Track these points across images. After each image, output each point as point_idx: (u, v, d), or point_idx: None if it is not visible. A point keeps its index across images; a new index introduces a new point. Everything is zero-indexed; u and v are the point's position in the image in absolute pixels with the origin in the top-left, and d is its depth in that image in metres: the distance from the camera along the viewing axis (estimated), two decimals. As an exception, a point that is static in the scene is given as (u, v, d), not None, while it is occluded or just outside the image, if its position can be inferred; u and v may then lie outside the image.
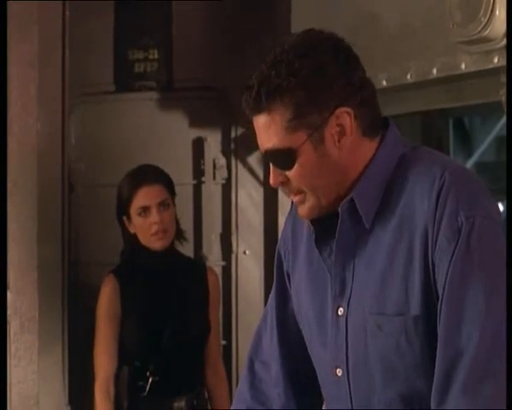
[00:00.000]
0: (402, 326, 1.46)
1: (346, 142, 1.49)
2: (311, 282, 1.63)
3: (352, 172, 1.52)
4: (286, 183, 1.54)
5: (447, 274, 1.41)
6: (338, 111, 1.47)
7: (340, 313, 1.55)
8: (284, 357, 1.74)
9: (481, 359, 1.37)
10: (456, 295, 1.40)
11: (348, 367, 1.55)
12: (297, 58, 1.46)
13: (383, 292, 1.48)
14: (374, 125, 1.53)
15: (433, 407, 1.41)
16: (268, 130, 1.51)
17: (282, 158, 1.51)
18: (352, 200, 1.51)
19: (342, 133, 1.48)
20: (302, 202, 1.54)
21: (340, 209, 1.52)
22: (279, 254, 1.76)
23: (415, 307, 1.44)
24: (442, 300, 1.41)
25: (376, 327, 1.49)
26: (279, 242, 1.79)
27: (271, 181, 1.56)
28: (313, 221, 1.58)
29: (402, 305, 1.46)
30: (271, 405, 1.74)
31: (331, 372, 1.58)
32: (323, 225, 1.57)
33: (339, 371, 1.56)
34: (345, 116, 1.47)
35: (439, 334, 1.42)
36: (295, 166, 1.50)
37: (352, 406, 1.56)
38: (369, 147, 1.53)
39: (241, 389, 1.79)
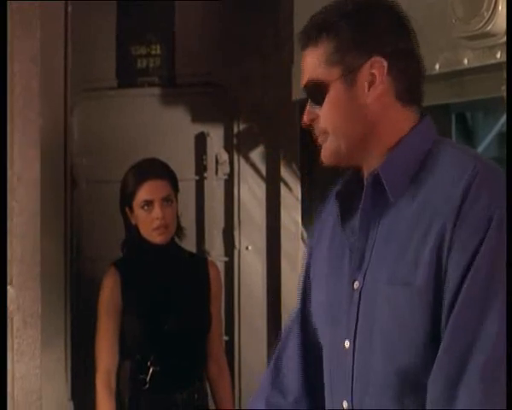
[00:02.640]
0: (407, 297, 1.47)
1: (375, 92, 1.54)
2: (330, 259, 1.67)
3: (378, 132, 1.56)
4: (315, 121, 1.61)
5: (473, 258, 1.41)
6: (374, 59, 1.53)
7: (355, 286, 1.58)
8: (305, 349, 1.78)
9: (500, 345, 1.38)
10: (482, 283, 1.40)
11: (355, 340, 1.57)
12: (353, 4, 1.56)
13: (395, 264, 1.50)
14: (409, 92, 1.56)
15: (437, 393, 1.41)
16: (310, 63, 1.59)
17: (316, 91, 1.58)
18: (377, 174, 1.54)
19: (373, 82, 1.54)
20: (324, 141, 1.61)
21: (365, 181, 1.57)
22: (308, 248, 1.82)
23: (421, 278, 1.45)
24: (462, 282, 1.41)
25: (384, 298, 1.51)
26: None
27: (304, 118, 1.63)
28: (339, 198, 1.63)
29: (409, 276, 1.47)
30: (289, 396, 1.80)
31: (339, 346, 1.60)
32: (349, 204, 1.61)
33: (347, 344, 1.58)
34: (378, 66, 1.53)
35: (454, 313, 1.42)
36: (325, 102, 1.57)
37: (352, 378, 1.57)
38: (401, 114, 1.57)
39: (264, 380, 1.85)
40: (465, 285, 1.41)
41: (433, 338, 1.45)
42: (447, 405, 1.39)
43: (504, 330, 1.38)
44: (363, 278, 1.56)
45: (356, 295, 1.57)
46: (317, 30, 1.57)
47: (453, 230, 1.43)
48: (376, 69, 1.53)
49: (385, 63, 1.53)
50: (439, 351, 1.42)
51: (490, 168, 1.49)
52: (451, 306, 1.42)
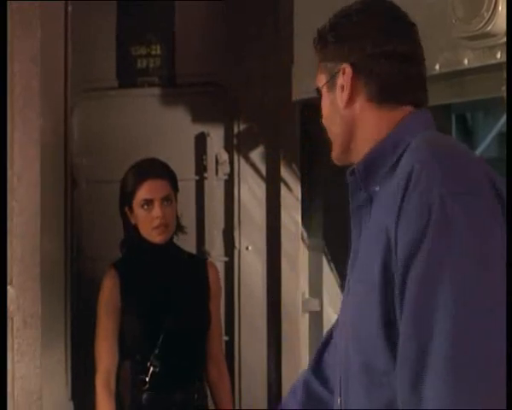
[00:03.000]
0: (364, 293, 1.47)
1: (345, 97, 1.62)
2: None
3: (359, 133, 1.63)
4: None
5: (413, 254, 1.37)
6: (343, 66, 1.62)
7: (349, 284, 1.61)
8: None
9: (452, 356, 1.30)
10: (422, 284, 1.35)
11: (342, 335, 1.61)
12: (341, 17, 1.67)
13: (362, 262, 1.54)
14: (385, 93, 1.60)
15: (405, 393, 1.37)
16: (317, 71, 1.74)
17: (317, 96, 1.73)
18: (353, 171, 1.61)
19: (343, 88, 1.63)
20: None
21: (348, 181, 1.64)
22: None
23: (375, 276, 1.44)
24: (405, 276, 1.38)
25: (352, 293, 1.56)
26: None
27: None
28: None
29: (367, 274, 1.47)
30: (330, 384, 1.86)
31: (339, 344, 1.65)
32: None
33: (340, 340, 1.63)
34: (346, 72, 1.62)
35: (404, 311, 1.38)
36: (321, 106, 1.71)
37: (339, 371, 1.61)
38: (378, 115, 1.61)
39: (306, 369, 1.94)
40: (408, 280, 1.37)
41: (394, 335, 1.42)
42: (415, 405, 1.34)
43: (465, 327, 1.30)
44: (352, 276, 1.60)
45: (347, 294, 1.61)
46: (316, 42, 1.72)
47: (397, 221, 1.41)
48: (345, 75, 1.62)
49: (349, 70, 1.61)
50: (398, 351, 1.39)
51: (441, 156, 1.45)
52: (401, 301, 1.39)
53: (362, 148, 1.62)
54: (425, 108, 1.64)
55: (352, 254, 1.64)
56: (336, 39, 1.65)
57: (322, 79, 1.69)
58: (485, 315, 1.31)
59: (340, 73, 1.63)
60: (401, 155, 1.53)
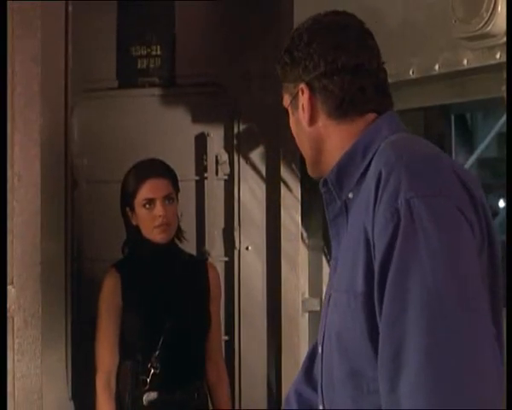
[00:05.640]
0: (348, 302, 1.47)
1: (306, 115, 1.65)
2: None
3: (325, 149, 1.65)
4: None
5: (386, 259, 1.37)
6: (300, 86, 1.65)
7: (330, 293, 1.61)
8: None
9: (424, 354, 1.30)
10: (394, 287, 1.36)
11: (323, 346, 1.61)
12: (294, 37, 1.69)
13: (342, 271, 1.54)
14: (342, 109, 1.61)
15: (384, 398, 1.37)
16: None
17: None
18: (326, 182, 1.63)
19: (303, 107, 1.65)
20: None
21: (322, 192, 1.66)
22: None
23: (359, 284, 1.45)
24: (381, 289, 1.38)
25: (334, 304, 1.55)
26: None
27: None
28: None
29: (350, 282, 1.47)
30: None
31: (318, 353, 1.66)
32: None
33: (319, 349, 1.64)
34: (304, 92, 1.65)
35: (381, 320, 1.38)
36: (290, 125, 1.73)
37: (322, 381, 1.62)
38: (340, 130, 1.62)
39: (298, 375, 1.93)
40: (386, 287, 1.36)
41: (374, 342, 1.43)
42: (394, 404, 1.34)
43: (435, 325, 1.30)
44: (332, 286, 1.60)
45: (327, 303, 1.61)
46: (277, 64, 1.73)
47: (373, 226, 1.42)
48: (303, 95, 1.65)
49: (305, 88, 1.64)
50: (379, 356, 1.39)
51: (407, 159, 1.45)
52: (381, 305, 1.39)
53: (331, 161, 1.63)
54: (390, 112, 1.64)
55: (332, 262, 1.65)
56: (291, 60, 1.67)
57: (287, 100, 1.72)
58: (457, 312, 1.30)
59: (299, 93, 1.65)
60: (371, 161, 1.54)
